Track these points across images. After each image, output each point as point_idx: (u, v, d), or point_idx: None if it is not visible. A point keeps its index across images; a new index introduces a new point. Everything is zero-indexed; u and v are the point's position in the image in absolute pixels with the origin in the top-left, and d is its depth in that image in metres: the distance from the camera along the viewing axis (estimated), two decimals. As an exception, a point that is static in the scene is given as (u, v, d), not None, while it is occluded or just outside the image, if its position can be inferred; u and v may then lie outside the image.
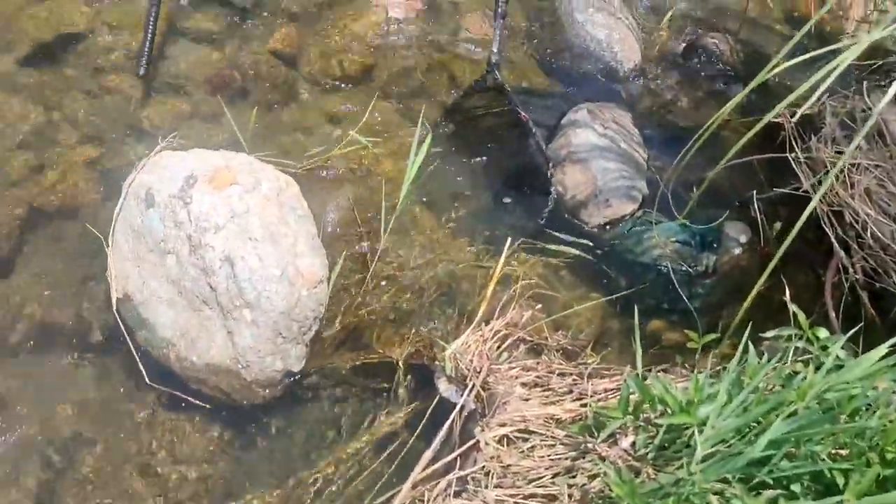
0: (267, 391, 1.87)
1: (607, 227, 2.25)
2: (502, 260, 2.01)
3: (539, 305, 2.00)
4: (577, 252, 2.21)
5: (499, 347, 1.85)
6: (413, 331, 2.02)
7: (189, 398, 1.89)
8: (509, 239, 2.09)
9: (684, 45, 2.76)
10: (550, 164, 2.30)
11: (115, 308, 1.90)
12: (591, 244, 2.23)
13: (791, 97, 1.80)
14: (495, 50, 2.38)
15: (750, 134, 1.83)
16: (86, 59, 2.55)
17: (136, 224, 1.91)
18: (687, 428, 1.38)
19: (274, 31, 2.68)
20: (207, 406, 1.90)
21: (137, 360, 1.88)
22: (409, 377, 1.93)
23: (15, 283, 2.12)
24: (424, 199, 2.28)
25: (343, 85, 2.60)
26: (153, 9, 2.42)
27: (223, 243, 1.80)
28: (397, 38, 2.71)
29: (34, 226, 2.21)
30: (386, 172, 2.32)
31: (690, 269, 2.14)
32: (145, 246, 1.89)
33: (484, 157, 2.44)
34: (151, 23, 2.42)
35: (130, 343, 1.88)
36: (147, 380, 1.88)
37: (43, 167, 2.30)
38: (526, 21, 2.83)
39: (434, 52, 2.69)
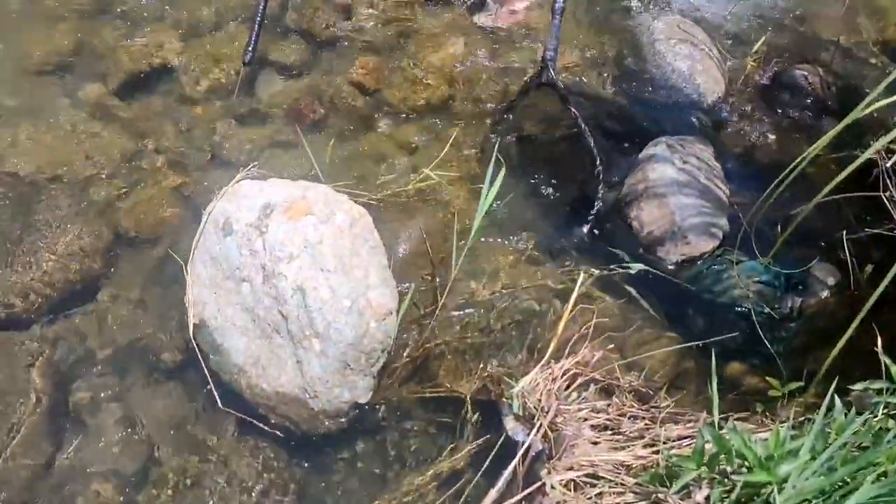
0: (333, 422, 1.88)
1: (685, 264, 2.18)
2: (574, 296, 1.97)
3: (611, 345, 1.94)
4: (653, 290, 2.14)
5: (568, 387, 1.80)
6: (481, 366, 1.99)
7: (258, 424, 1.92)
8: (582, 275, 2.05)
9: (771, 77, 2.67)
10: (599, 163, 2.27)
11: (191, 333, 1.94)
12: (667, 282, 2.16)
13: (890, 136, 1.71)
14: (551, 46, 2.36)
15: (845, 173, 1.74)
16: (175, 90, 2.66)
17: (214, 251, 1.95)
18: (767, 484, 1.31)
19: (354, 62, 2.72)
20: (275, 433, 1.92)
21: (211, 385, 1.91)
22: (475, 413, 1.90)
23: (100, 303, 2.21)
24: (496, 232, 2.26)
25: (419, 115, 2.62)
26: (262, 2, 2.56)
27: (296, 273, 1.83)
28: (474, 69, 2.72)
29: (120, 249, 2.30)
30: (458, 203, 2.32)
31: (773, 312, 2.05)
32: (222, 273, 1.94)
33: (556, 189, 2.41)
34: (259, 15, 2.57)
35: (205, 368, 1.92)
36: (220, 404, 1.91)
37: (131, 193, 2.40)
38: (605, 50, 2.79)
39: (510, 83, 2.68)
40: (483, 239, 2.22)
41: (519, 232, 2.28)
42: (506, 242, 2.25)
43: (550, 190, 2.39)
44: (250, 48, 2.56)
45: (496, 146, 2.22)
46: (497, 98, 2.64)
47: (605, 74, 2.70)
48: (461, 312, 2.08)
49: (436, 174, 2.34)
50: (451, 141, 2.47)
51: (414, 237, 2.20)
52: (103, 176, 2.42)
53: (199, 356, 1.93)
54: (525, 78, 2.54)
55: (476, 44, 2.78)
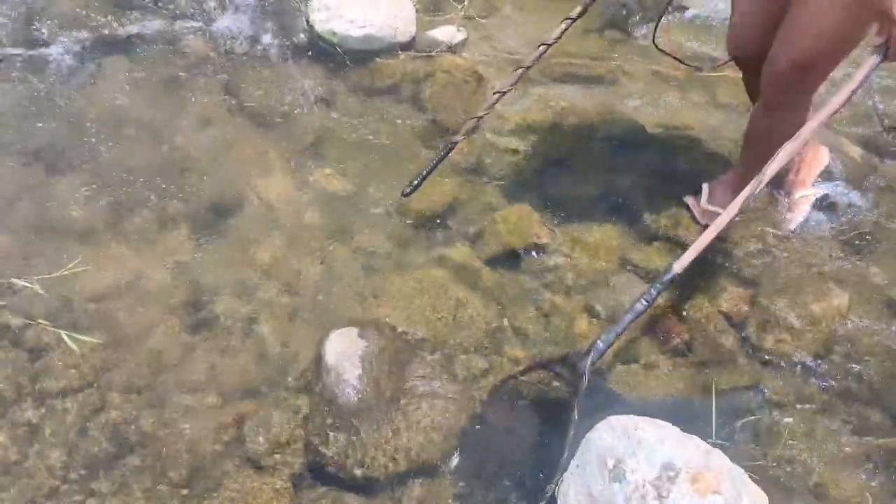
0: None
1: None
2: None
3: None
4: None
5: None
6: None
7: None
8: None
9: None
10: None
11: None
12: None
13: None
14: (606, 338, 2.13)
15: None
16: (541, 272, 2.67)
17: (594, 489, 1.86)
18: None
19: (723, 289, 2.60)
20: None
21: None
22: None
23: (439, 482, 2.17)
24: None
25: (789, 366, 2.42)
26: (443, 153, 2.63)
27: (695, 556, 1.68)
28: (857, 331, 2.50)
29: (471, 432, 2.26)
30: (842, 496, 2.08)
31: None
32: (599, 517, 1.83)
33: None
34: (434, 162, 2.61)
35: None
36: None
37: (488, 372, 2.39)
38: None
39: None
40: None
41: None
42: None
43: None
44: (415, 183, 2.59)
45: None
46: (879, 375, 2.39)
47: None
48: None
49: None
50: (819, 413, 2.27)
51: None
52: (466, 348, 2.43)
53: None
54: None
55: (867, 299, 2.56)
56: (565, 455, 2.00)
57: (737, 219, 2.24)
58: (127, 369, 2.36)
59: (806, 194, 2.81)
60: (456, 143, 2.64)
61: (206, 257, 2.68)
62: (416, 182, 2.60)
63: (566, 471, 1.96)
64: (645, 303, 2.16)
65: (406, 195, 2.62)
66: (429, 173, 2.62)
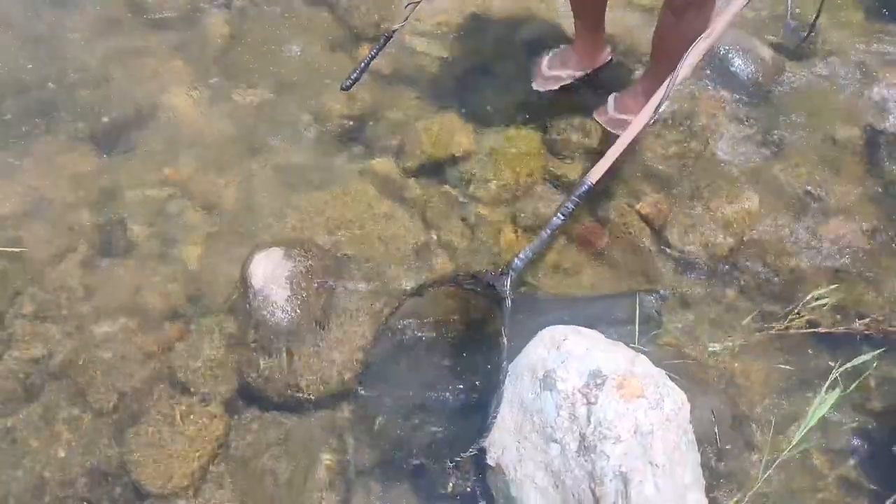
0: None
1: None
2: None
3: None
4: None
5: None
6: None
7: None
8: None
9: None
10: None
11: (487, 475, 1.92)
12: None
13: None
14: (522, 255, 2.14)
15: None
16: (465, 183, 2.65)
17: (526, 399, 1.93)
18: None
19: (644, 194, 2.66)
20: None
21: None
22: None
23: (370, 400, 2.20)
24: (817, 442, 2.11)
25: (700, 265, 2.53)
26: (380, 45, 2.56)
27: (621, 458, 1.77)
28: (765, 234, 2.61)
29: (399, 347, 2.28)
30: (752, 385, 2.23)
31: None
32: (531, 425, 1.90)
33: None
34: (373, 53, 2.55)
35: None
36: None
37: (417, 287, 2.39)
38: None
39: (798, 262, 2.57)
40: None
41: (838, 451, 2.13)
42: (825, 459, 2.13)
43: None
44: (353, 75, 2.52)
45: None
46: (784, 270, 2.53)
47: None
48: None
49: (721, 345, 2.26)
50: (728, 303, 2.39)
51: (701, 420, 2.11)
52: (393, 263, 2.42)
53: (494, 499, 1.90)
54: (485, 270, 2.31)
55: (776, 200, 2.66)
56: (502, 376, 2.00)
57: (651, 123, 2.22)
58: (38, 299, 2.25)
59: None
60: (395, 31, 2.56)
61: (114, 177, 2.54)
62: (354, 75, 2.51)
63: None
64: (562, 217, 2.14)
65: (346, 88, 2.53)
66: (367, 65, 2.54)
